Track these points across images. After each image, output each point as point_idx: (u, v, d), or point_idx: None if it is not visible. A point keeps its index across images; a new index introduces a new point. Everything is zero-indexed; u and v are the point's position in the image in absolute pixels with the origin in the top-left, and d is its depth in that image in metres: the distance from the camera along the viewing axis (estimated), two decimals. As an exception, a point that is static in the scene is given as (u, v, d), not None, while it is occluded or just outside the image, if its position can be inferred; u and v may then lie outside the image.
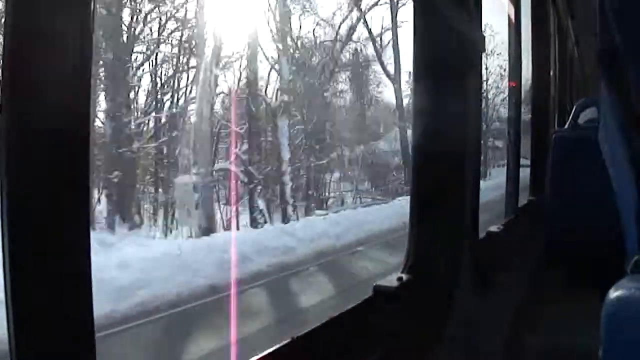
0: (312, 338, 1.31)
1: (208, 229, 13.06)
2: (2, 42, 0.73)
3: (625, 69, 1.23)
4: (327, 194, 18.24)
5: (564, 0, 5.05)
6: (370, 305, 1.55)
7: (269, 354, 1.18)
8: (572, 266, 3.42)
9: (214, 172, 14.74)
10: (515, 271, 3.13)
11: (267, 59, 16.11)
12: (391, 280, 1.66)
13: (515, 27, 3.77)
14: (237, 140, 15.34)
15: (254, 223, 14.75)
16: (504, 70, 16.25)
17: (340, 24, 17.83)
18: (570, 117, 3.92)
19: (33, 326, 0.75)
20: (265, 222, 14.88)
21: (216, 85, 14.37)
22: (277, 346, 1.21)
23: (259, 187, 15.38)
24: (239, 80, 15.68)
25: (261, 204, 15.27)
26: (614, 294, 1.11)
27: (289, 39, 16.60)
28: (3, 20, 0.73)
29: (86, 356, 0.80)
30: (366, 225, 13.55)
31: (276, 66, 16.22)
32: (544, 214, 3.69)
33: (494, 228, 2.71)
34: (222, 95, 15.50)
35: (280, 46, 16.05)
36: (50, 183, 0.76)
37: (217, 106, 15.44)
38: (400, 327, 1.64)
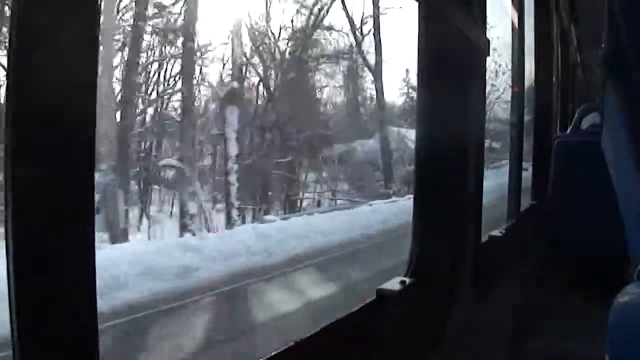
0: (315, 341, 1.31)
1: (109, 239, 10.78)
2: (8, 43, 0.73)
3: (631, 71, 1.22)
4: (298, 195, 16.30)
5: (566, 5, 5.06)
6: (373, 308, 1.55)
7: (272, 357, 1.17)
8: (574, 271, 3.42)
9: (129, 169, 12.72)
10: (518, 275, 3.12)
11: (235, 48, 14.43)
12: (394, 284, 1.66)
13: (518, 32, 3.78)
14: (166, 133, 13.67)
15: (184, 230, 12.45)
16: (499, 65, 15.97)
17: (313, 5, 16.79)
18: (573, 122, 3.93)
19: (36, 323, 0.75)
20: (209, 230, 12.59)
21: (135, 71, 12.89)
22: (280, 349, 1.21)
23: (190, 187, 13.04)
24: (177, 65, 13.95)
25: (193, 207, 12.89)
26: (620, 300, 1.10)
27: (261, 25, 15.42)
28: (9, 21, 0.73)
29: (90, 354, 0.80)
30: (311, 237, 10.60)
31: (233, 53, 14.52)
32: (546, 219, 3.69)
33: (496, 232, 2.71)
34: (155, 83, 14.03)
35: (236, 31, 14.43)
36: (55, 182, 0.76)
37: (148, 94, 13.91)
38: (403, 330, 1.64)
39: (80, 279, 0.79)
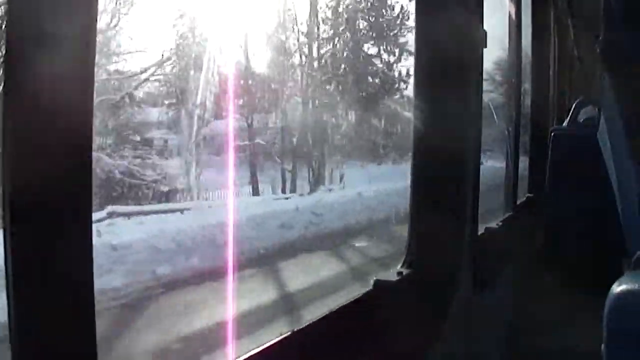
0: (313, 330, 1.32)
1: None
2: (5, 42, 0.72)
3: (628, 63, 1.23)
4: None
5: (564, -2, 5.05)
6: (371, 298, 1.56)
7: (272, 345, 1.18)
8: (570, 263, 3.43)
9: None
10: (514, 267, 3.13)
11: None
12: (391, 275, 1.67)
13: (515, 25, 3.78)
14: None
15: None
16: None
17: None
18: (570, 115, 3.94)
19: (34, 322, 0.75)
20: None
21: None
22: (279, 338, 1.22)
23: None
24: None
25: None
26: (616, 289, 1.12)
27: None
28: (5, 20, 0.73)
29: (88, 354, 0.81)
30: None
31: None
32: (542, 211, 3.70)
33: (492, 224, 2.72)
34: None
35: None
36: (53, 181, 0.75)
37: None
38: (400, 320, 1.65)
39: (78, 275, 0.79)
